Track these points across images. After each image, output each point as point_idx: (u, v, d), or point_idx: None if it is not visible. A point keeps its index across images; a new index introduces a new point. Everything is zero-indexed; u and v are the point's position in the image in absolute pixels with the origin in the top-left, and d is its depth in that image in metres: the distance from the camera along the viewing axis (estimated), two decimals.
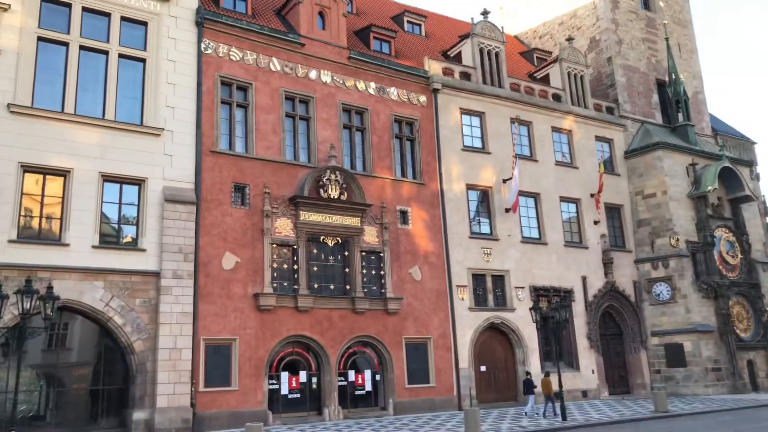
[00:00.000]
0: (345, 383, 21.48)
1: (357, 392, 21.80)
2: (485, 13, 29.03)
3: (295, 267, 21.11)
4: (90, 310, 17.63)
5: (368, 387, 22.03)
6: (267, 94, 22.08)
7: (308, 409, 20.68)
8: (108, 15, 19.61)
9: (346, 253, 22.27)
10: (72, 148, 18.06)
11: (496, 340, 25.32)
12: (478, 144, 26.78)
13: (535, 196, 27.61)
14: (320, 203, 21.76)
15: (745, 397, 25.86)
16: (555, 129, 29.18)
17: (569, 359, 26.53)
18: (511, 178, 25.98)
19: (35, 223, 17.54)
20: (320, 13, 24.09)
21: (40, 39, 18.41)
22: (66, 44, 18.81)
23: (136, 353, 17.92)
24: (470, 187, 25.94)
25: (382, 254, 22.88)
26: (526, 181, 26.93)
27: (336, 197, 22.08)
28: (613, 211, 30.06)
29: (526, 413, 20.75)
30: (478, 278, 25.12)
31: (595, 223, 28.89)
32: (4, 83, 17.53)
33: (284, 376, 20.54)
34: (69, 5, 19.04)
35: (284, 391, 20.44)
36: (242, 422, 17.81)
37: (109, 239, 18.49)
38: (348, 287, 21.99)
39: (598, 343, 27.38)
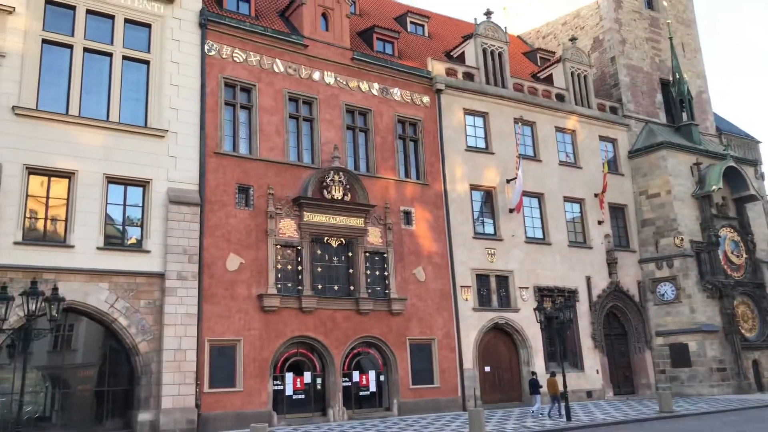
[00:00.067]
0: (349, 384, 21.50)
1: (361, 393, 21.82)
2: (488, 13, 29.01)
3: (299, 268, 21.14)
4: (95, 311, 17.69)
5: (372, 388, 22.04)
6: (270, 95, 22.11)
7: (313, 410, 20.70)
8: (112, 17, 19.68)
9: (350, 254, 22.29)
10: (76, 150, 18.13)
11: (501, 340, 25.30)
12: (481, 144, 26.77)
13: (539, 197, 27.58)
14: (324, 204, 21.78)
15: (750, 397, 25.78)
16: (558, 129, 29.15)
17: (573, 359, 26.49)
18: (514, 179, 25.96)
19: (40, 224, 17.61)
20: (323, 15, 24.11)
21: (44, 41, 18.49)
22: (70, 46, 18.87)
23: (140, 354, 17.97)
24: (474, 187, 25.94)
25: (385, 255, 22.89)
26: (530, 181, 26.91)
27: (340, 198, 22.10)
28: (617, 211, 30.02)
29: (533, 412, 20.78)
30: (482, 279, 25.11)
31: (599, 223, 28.84)
32: (9, 86, 17.60)
33: (289, 377, 20.57)
34: (73, 8, 19.12)
35: (289, 391, 20.46)
36: (247, 423, 17.87)
37: (114, 241, 18.54)
38: (352, 288, 22.01)
39: (602, 343, 27.33)
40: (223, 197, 20.34)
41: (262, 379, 19.66)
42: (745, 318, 29.46)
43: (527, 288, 25.88)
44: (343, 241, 22.25)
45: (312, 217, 21.60)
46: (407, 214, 23.93)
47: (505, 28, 29.80)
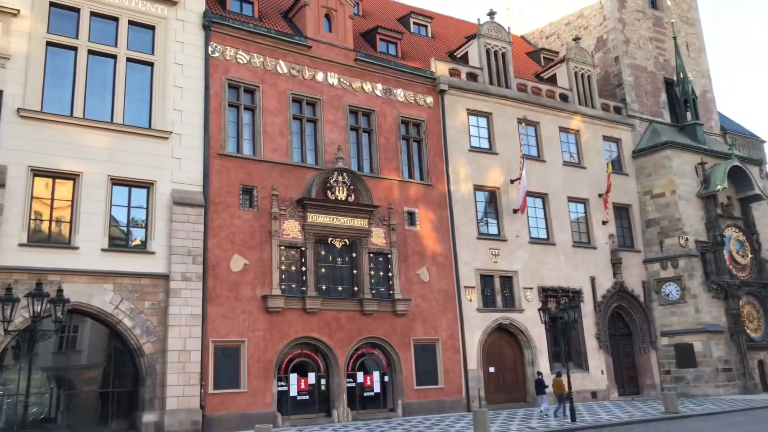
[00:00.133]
0: (354, 385, 21.48)
1: (366, 394, 21.81)
2: (491, 13, 28.99)
3: (303, 269, 21.15)
4: (99, 312, 17.72)
5: (377, 388, 22.03)
6: (274, 96, 22.14)
7: (317, 411, 20.70)
8: (116, 19, 19.74)
9: (354, 255, 22.29)
10: (81, 151, 18.18)
11: (505, 341, 25.25)
12: (485, 145, 26.75)
13: (543, 197, 27.54)
14: (328, 205, 21.79)
15: (756, 398, 25.68)
16: (562, 129, 29.11)
17: (578, 360, 26.43)
18: (518, 179, 25.93)
19: (45, 226, 17.66)
20: (327, 16, 24.14)
21: (49, 44, 18.55)
22: (75, 49, 18.93)
23: (145, 355, 18.00)
24: (478, 187, 25.91)
25: (389, 255, 22.88)
26: (534, 181, 26.88)
27: (343, 199, 22.10)
28: (622, 211, 29.94)
29: (541, 412, 20.78)
30: (486, 279, 25.08)
31: (604, 223, 28.78)
32: (14, 88, 17.67)
33: (293, 377, 20.57)
34: (77, 10, 19.18)
35: (293, 392, 20.46)
36: (251, 424, 17.86)
37: (119, 242, 18.58)
38: (356, 289, 22.01)
39: (607, 343, 27.26)
40: (227, 198, 20.37)
41: (266, 380, 19.67)
42: (751, 318, 29.34)
43: (531, 288, 25.83)
44: (347, 242, 22.26)
45: (316, 218, 21.61)
46: (411, 214, 23.92)
47: (509, 28, 29.79)
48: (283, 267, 20.89)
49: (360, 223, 22.42)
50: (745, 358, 28.09)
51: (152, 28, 20.29)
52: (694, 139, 31.74)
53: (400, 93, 24.98)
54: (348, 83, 23.82)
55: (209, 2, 22.19)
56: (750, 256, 30.44)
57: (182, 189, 19.48)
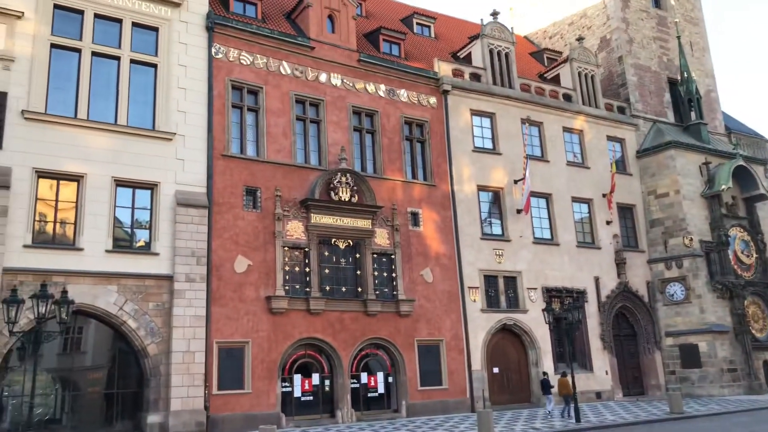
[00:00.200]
0: (357, 385, 21.48)
1: (370, 394, 21.79)
2: (495, 14, 28.98)
3: (307, 269, 21.16)
4: (104, 313, 17.76)
5: (381, 389, 22.01)
6: (277, 97, 22.16)
7: (321, 412, 20.71)
8: (119, 21, 19.79)
9: (358, 256, 22.29)
10: (85, 153, 18.23)
11: (509, 341, 25.22)
12: (488, 145, 26.72)
13: (547, 197, 27.49)
14: (331, 206, 21.80)
15: (761, 398, 25.58)
16: (566, 129, 29.05)
17: (582, 360, 26.37)
18: (522, 179, 25.90)
19: (49, 228, 17.71)
20: (330, 17, 24.15)
21: (53, 46, 18.60)
22: (78, 50, 18.98)
23: (149, 357, 18.02)
24: (481, 188, 25.89)
25: (393, 256, 22.87)
26: (538, 181, 26.84)
27: (347, 199, 22.11)
28: (626, 211, 29.87)
29: (548, 412, 20.74)
30: (490, 279, 25.05)
31: (608, 223, 28.72)
32: (18, 90, 17.72)
33: (297, 378, 20.58)
34: (81, 12, 19.23)
35: (297, 393, 20.48)
36: (255, 425, 17.89)
37: (123, 243, 18.62)
38: (360, 289, 22.00)
39: (611, 344, 27.20)
40: (230, 199, 20.40)
41: (270, 381, 19.68)
42: (756, 318, 29.24)
43: (535, 289, 25.79)
44: (351, 243, 22.26)
45: (319, 219, 21.62)
46: (414, 215, 23.91)
47: (512, 28, 29.76)
48: (287, 268, 20.90)
49: (363, 223, 22.42)
50: (750, 358, 28.00)
51: (156, 29, 20.34)
52: (699, 139, 31.65)
53: (403, 93, 24.98)
54: (351, 84, 23.83)
55: (212, 4, 22.22)
56: (755, 255, 30.33)
57: (186, 190, 19.51)
